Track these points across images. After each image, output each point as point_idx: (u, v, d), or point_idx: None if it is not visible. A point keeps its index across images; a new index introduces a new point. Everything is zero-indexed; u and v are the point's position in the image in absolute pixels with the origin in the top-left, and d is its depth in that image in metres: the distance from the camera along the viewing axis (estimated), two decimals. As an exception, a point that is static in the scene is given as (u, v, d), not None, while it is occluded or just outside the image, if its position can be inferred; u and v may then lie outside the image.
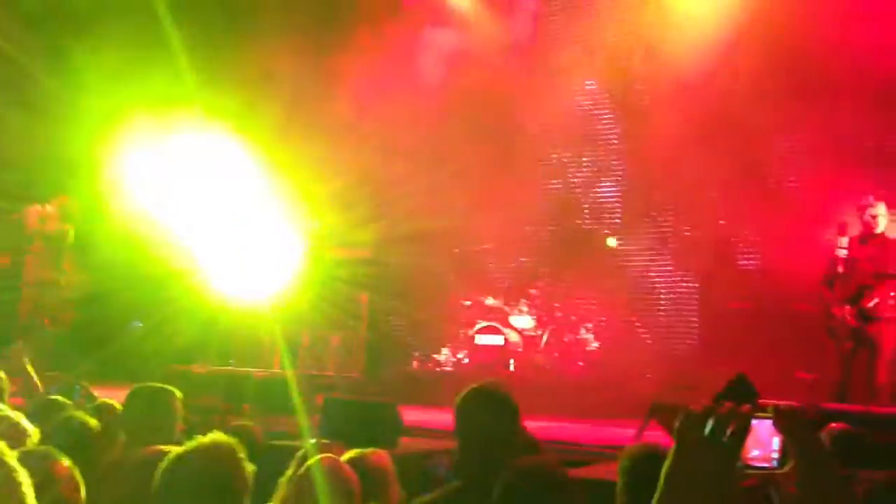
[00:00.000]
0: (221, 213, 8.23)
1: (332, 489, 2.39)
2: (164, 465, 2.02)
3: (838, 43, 7.81)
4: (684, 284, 9.81)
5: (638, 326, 9.89)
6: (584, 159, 10.63)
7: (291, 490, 2.49)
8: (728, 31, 8.81)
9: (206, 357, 8.92)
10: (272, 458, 3.09)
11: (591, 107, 10.50)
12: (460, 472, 2.91)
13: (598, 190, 10.53)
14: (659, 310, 9.94)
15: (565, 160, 10.74)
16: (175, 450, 2.10)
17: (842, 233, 6.38)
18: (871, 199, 6.45)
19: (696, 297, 9.62)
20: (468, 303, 10.30)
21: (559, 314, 9.86)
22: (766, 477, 1.39)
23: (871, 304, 6.16)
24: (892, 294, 6.19)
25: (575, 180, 10.72)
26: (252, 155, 8.54)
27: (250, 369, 8.24)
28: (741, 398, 1.27)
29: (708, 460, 1.20)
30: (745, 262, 9.36)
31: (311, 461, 2.51)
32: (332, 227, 9.27)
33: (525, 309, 9.93)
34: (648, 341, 9.82)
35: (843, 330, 6.25)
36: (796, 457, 1.29)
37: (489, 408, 2.88)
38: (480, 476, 2.60)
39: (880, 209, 6.37)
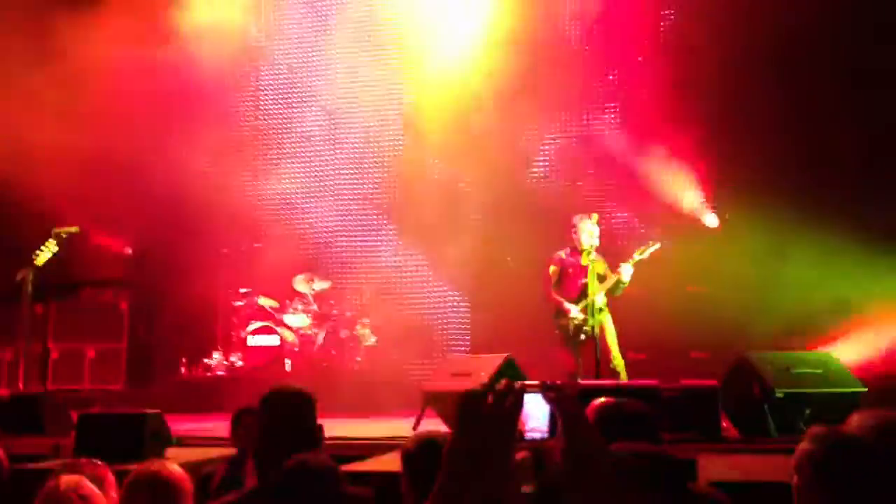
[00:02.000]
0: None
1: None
2: None
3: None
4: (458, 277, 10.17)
5: (414, 318, 10.10)
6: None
7: None
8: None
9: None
10: (19, 485, 2.79)
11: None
12: (262, 471, 2.84)
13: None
14: (434, 300, 10.23)
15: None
16: None
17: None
18: (575, 217, 7.25)
19: (469, 289, 10.02)
20: (240, 303, 9.97)
21: (335, 311, 9.82)
22: (537, 448, 1.50)
23: (595, 300, 6.94)
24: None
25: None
26: None
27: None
28: (511, 379, 1.37)
29: (489, 433, 1.27)
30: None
31: (50, 485, 2.25)
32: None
33: (300, 307, 9.78)
34: (423, 332, 10.07)
35: (572, 324, 7.08)
36: (561, 426, 1.39)
37: (293, 404, 2.89)
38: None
39: (583, 225, 7.13)
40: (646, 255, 7.08)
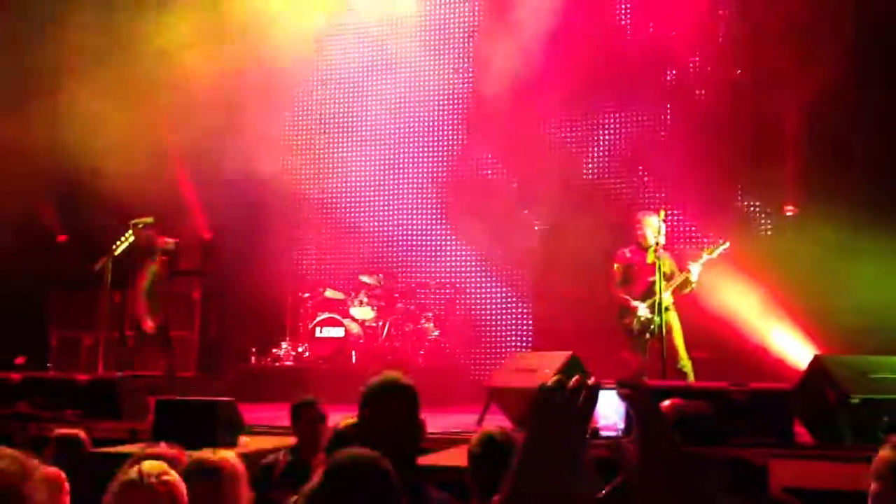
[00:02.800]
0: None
1: (153, 499, 2.22)
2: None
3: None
4: (519, 273, 10.15)
5: (476, 313, 10.13)
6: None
7: (111, 500, 2.31)
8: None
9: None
10: (101, 468, 2.89)
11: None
12: None
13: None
14: (496, 296, 10.24)
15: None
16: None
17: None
18: (638, 215, 7.23)
19: (531, 285, 9.99)
20: (307, 295, 10.16)
21: (400, 304, 9.91)
22: (613, 446, 1.47)
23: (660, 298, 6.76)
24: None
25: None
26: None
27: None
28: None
29: (562, 430, 1.26)
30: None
31: (131, 470, 2.33)
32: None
33: (365, 300, 9.90)
34: (487, 328, 10.10)
35: (639, 323, 6.97)
36: (637, 424, 1.36)
37: (401, 398, 2.81)
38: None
39: (647, 221, 7.07)
40: (715, 254, 6.93)
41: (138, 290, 8.34)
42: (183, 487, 2.27)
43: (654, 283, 6.80)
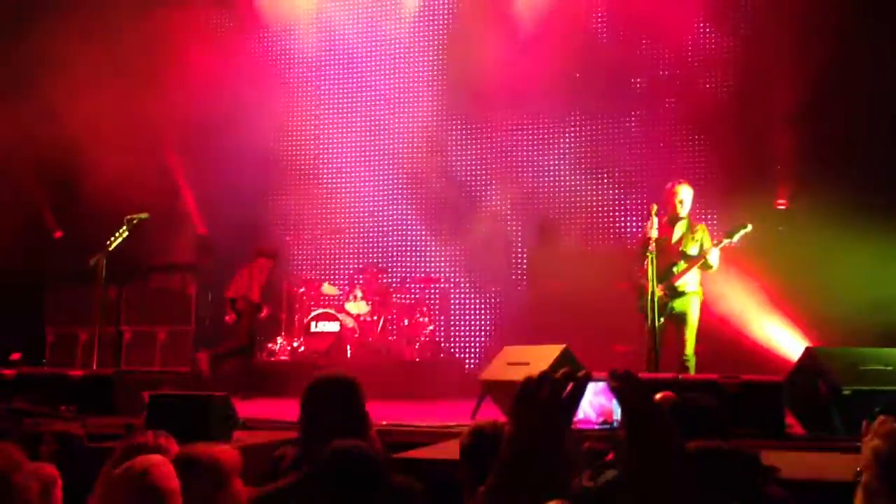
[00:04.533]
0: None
1: (141, 492, 2.23)
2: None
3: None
4: (513, 265, 10.18)
5: (471, 307, 10.17)
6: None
7: (101, 491, 2.33)
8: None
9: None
10: (98, 463, 2.90)
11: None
12: (306, 458, 2.87)
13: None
14: (490, 289, 10.27)
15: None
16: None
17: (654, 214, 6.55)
18: (675, 184, 6.73)
19: (525, 277, 10.02)
20: (302, 290, 10.18)
21: (395, 299, 9.94)
22: (610, 438, 1.45)
23: (678, 282, 6.57)
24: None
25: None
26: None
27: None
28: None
29: (545, 422, 1.26)
30: (569, 243, 9.88)
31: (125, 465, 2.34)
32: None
33: (360, 295, 9.92)
34: (481, 321, 10.14)
35: (654, 305, 6.45)
36: (624, 416, 1.33)
37: (337, 393, 2.85)
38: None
39: (684, 193, 6.67)
40: (736, 238, 6.45)
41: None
42: (173, 482, 2.28)
43: (673, 263, 6.44)
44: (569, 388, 1.28)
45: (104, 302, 8.12)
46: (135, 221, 7.92)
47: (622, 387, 1.32)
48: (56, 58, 9.29)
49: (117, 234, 7.78)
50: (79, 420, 4.91)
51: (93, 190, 9.36)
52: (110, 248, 7.77)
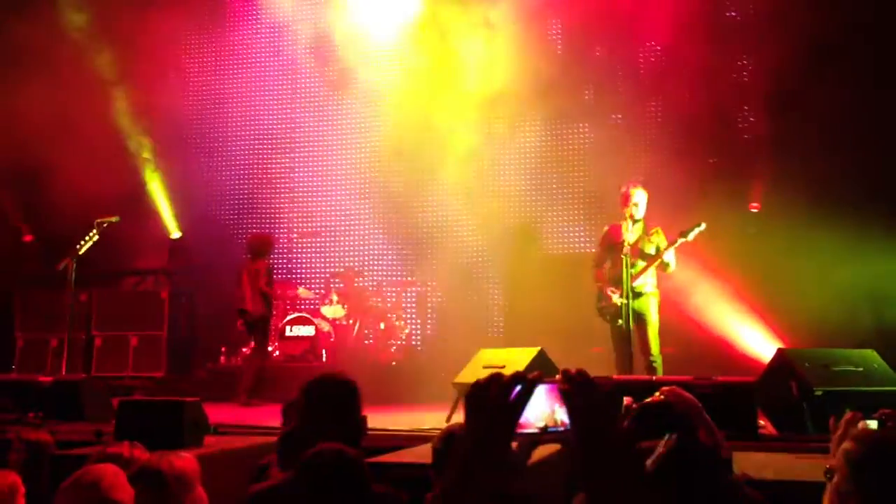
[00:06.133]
0: None
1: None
2: None
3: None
4: (490, 270, 10.18)
5: (447, 311, 10.14)
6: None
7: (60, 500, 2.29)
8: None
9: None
10: (66, 471, 2.85)
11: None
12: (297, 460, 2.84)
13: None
14: (466, 293, 10.26)
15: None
16: None
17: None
18: (630, 186, 6.71)
19: (500, 282, 10.02)
20: (276, 293, 10.10)
21: (373, 301, 9.89)
22: (565, 440, 1.45)
23: (636, 282, 6.52)
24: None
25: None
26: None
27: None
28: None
29: (492, 423, 1.27)
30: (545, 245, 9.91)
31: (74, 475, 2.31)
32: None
33: (336, 298, 9.87)
34: (458, 325, 10.10)
35: (613, 308, 6.58)
36: (572, 420, 1.34)
37: (339, 393, 2.82)
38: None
39: (639, 196, 6.66)
40: (691, 236, 6.47)
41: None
42: (124, 493, 2.25)
43: (630, 264, 6.42)
44: (516, 390, 1.28)
45: (74, 307, 8.01)
46: (105, 225, 7.82)
47: (570, 389, 1.33)
48: (22, 56, 9.16)
49: (87, 238, 7.67)
50: (47, 427, 4.82)
51: (63, 193, 9.22)
52: (80, 252, 7.66)
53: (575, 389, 1.32)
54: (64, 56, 9.51)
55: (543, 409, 1.36)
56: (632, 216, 6.61)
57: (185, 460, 2.52)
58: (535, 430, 1.37)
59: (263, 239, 9.07)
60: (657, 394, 3.03)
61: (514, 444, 1.31)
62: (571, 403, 1.32)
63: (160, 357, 9.87)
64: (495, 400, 1.27)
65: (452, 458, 1.28)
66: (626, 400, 2.95)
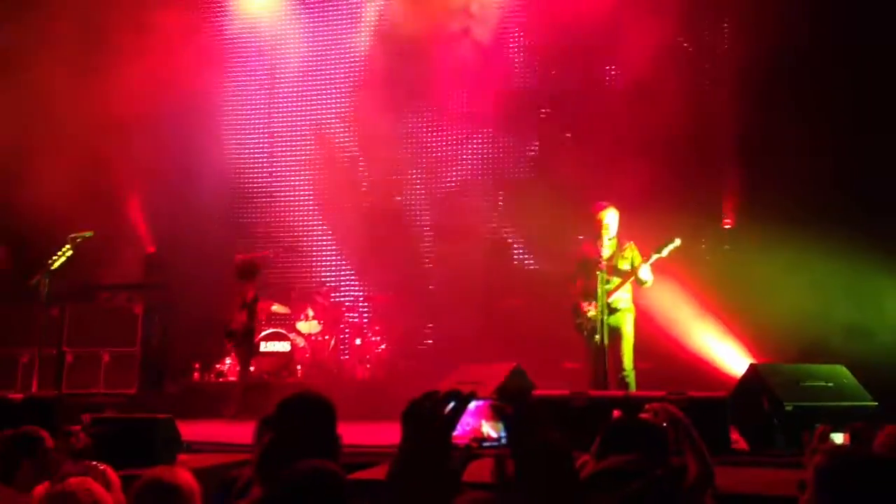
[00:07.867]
0: None
1: None
2: None
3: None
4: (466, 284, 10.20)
5: (424, 326, 10.14)
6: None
7: None
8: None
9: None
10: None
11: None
12: (272, 478, 2.82)
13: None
14: (441, 308, 10.26)
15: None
16: None
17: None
18: (599, 209, 6.76)
19: (478, 296, 10.03)
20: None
21: (347, 318, 9.88)
22: (497, 457, 1.48)
23: (611, 298, 6.56)
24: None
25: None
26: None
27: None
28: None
29: (425, 438, 1.31)
30: (518, 261, 9.95)
31: (58, 486, 2.29)
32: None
33: (311, 314, 9.83)
34: (433, 340, 10.11)
35: (591, 325, 6.62)
36: (510, 439, 1.36)
37: (315, 411, 2.82)
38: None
39: (609, 217, 6.71)
40: (665, 252, 6.51)
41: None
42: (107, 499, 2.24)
43: (605, 281, 6.46)
44: (449, 406, 1.32)
45: (46, 322, 7.90)
46: (79, 240, 7.75)
47: (507, 410, 1.36)
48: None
49: (60, 253, 7.59)
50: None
51: (36, 207, 9.11)
52: (53, 268, 7.58)
53: (513, 411, 1.34)
54: (33, 65, 9.42)
55: (473, 424, 1.42)
56: (604, 236, 6.68)
57: (186, 474, 2.52)
58: (470, 444, 1.41)
59: (250, 261, 9.06)
60: (647, 409, 3.07)
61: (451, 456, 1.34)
62: (510, 424, 1.34)
63: (133, 373, 9.74)
64: (429, 414, 1.31)
65: (388, 471, 1.30)
66: (615, 413, 2.98)
